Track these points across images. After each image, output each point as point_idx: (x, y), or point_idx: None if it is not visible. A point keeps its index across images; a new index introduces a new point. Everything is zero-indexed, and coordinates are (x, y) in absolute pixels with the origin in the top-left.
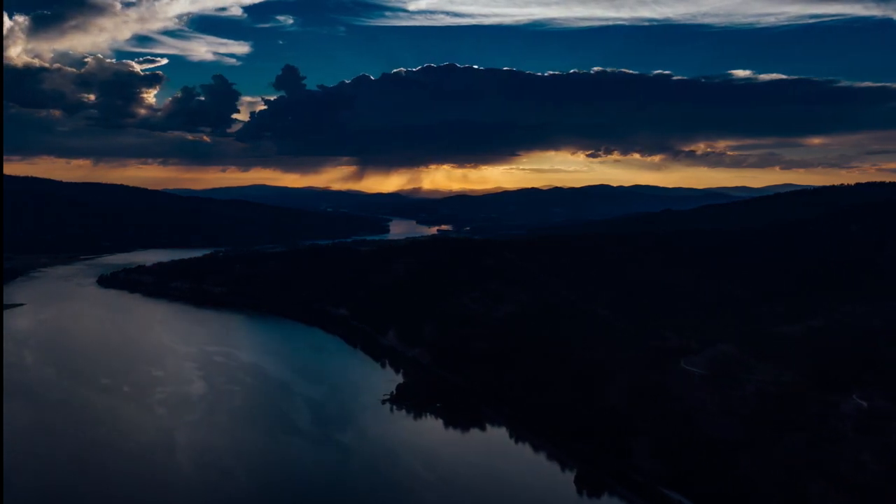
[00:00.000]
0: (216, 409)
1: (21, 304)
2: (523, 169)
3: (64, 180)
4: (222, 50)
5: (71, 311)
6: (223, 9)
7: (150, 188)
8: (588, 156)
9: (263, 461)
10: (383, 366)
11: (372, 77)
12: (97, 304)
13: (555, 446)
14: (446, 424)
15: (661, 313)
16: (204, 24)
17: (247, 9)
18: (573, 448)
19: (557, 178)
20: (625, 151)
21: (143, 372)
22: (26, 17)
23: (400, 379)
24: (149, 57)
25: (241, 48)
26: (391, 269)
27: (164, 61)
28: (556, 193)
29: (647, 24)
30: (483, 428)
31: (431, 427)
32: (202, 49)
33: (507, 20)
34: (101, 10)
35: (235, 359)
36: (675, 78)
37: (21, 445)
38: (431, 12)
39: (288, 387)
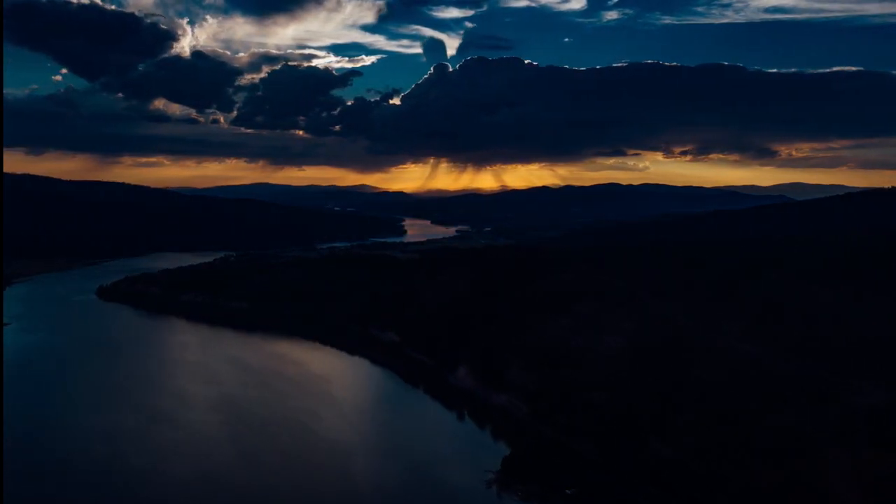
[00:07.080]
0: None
1: (6, 324)
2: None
3: (64, 178)
4: None
5: (64, 335)
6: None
7: (161, 187)
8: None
9: None
10: (461, 417)
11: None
12: (95, 324)
13: None
14: None
15: (819, 350)
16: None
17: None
18: None
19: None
20: (704, 151)
21: (155, 433)
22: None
23: (489, 437)
24: (360, 56)
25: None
26: (444, 282)
27: (371, 60)
28: (568, 192)
29: None
30: None
31: None
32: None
33: (819, 16)
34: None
35: (271, 408)
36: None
37: None
38: (744, 8)
39: (348, 457)
